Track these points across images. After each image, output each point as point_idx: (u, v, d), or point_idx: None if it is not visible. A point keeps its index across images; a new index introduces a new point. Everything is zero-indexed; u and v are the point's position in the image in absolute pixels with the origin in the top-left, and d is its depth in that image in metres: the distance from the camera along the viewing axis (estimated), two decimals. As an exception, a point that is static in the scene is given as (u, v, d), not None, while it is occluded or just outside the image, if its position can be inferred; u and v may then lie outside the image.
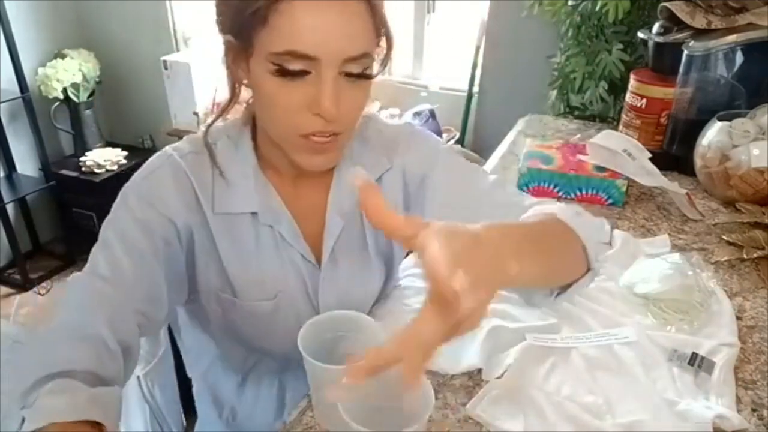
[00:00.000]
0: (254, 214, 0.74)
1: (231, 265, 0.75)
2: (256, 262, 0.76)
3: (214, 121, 0.75)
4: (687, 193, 1.15)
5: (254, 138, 0.75)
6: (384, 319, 0.84)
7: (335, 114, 0.62)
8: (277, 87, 0.62)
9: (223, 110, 0.73)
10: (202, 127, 0.77)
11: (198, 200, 0.72)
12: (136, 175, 0.72)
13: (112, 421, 0.56)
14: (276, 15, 0.59)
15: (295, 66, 0.61)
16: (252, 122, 0.75)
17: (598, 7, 1.49)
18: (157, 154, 0.75)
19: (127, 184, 0.72)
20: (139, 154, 2.72)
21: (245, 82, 0.68)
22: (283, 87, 0.62)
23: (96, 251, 0.69)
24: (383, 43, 0.66)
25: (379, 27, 0.64)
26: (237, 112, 0.76)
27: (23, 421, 0.53)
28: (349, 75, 0.63)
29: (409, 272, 0.96)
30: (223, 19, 0.65)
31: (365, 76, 0.64)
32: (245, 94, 0.71)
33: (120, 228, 0.69)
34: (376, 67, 0.66)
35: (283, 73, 0.61)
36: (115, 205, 0.71)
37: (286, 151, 0.69)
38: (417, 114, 2.20)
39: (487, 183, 0.78)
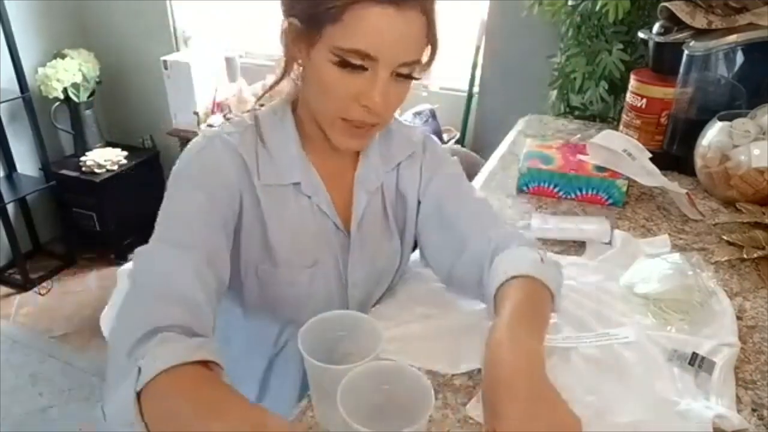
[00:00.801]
0: (296, 184, 0.81)
1: (275, 234, 0.80)
2: (298, 230, 0.82)
3: (264, 93, 0.82)
4: (687, 193, 1.15)
5: (294, 113, 0.82)
6: (385, 320, 0.84)
7: (382, 109, 0.71)
8: (335, 76, 0.69)
9: (276, 83, 0.80)
10: (222, 111, 0.80)
11: (248, 172, 0.78)
12: (186, 155, 0.77)
13: (223, 364, 0.58)
14: (350, 15, 0.66)
15: (355, 61, 0.68)
16: (294, 100, 0.82)
17: (598, 7, 1.49)
18: (199, 136, 0.80)
19: (177, 166, 0.76)
20: (139, 154, 2.72)
21: (299, 61, 0.75)
22: (340, 77, 0.69)
23: (161, 223, 0.71)
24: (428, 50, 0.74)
25: (429, 35, 0.72)
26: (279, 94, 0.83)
27: (139, 372, 0.53)
28: (398, 75, 0.71)
29: (414, 273, 0.96)
30: (292, 4, 0.71)
31: (411, 77, 0.73)
32: (292, 74, 0.78)
33: (182, 199, 0.73)
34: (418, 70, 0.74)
35: (343, 64, 0.68)
36: (171, 185, 0.75)
37: (325, 130, 0.77)
38: (417, 114, 2.20)
39: (475, 199, 0.89)
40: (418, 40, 0.70)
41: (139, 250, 0.69)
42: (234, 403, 0.51)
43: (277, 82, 0.80)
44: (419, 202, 0.90)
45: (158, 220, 0.72)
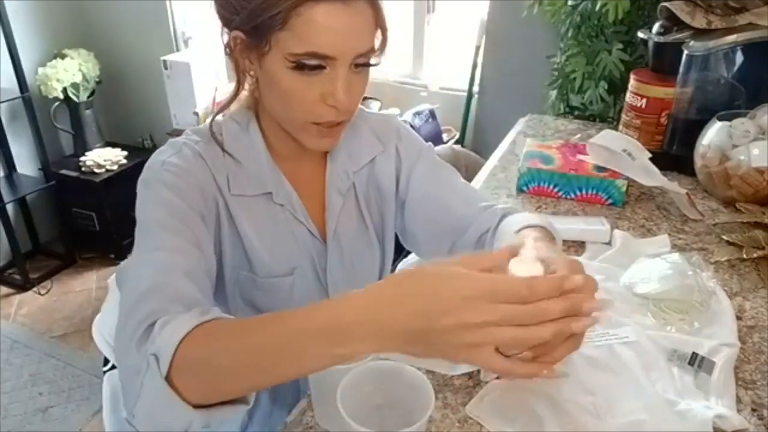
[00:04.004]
0: (267, 194, 0.79)
1: (251, 244, 0.79)
2: (273, 239, 0.80)
3: (219, 112, 0.78)
4: (687, 193, 1.15)
5: (258, 121, 0.79)
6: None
7: (348, 104, 0.70)
8: (295, 82, 0.68)
9: (231, 100, 0.77)
10: (207, 120, 0.79)
11: (217, 183, 0.75)
12: (154, 162, 0.73)
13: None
14: (296, 18, 0.64)
15: (312, 62, 0.66)
16: (255, 108, 0.80)
17: (598, 7, 1.49)
18: (168, 144, 0.76)
19: (145, 174, 0.73)
20: (139, 154, 2.72)
21: (251, 73, 0.73)
22: (300, 81, 0.68)
23: (139, 234, 0.68)
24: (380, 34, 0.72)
25: (378, 21, 0.70)
26: (237, 104, 0.80)
27: (156, 361, 0.52)
28: (356, 66, 0.69)
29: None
30: (232, 17, 0.69)
31: (369, 65, 0.71)
32: (247, 83, 0.77)
33: (156, 204, 0.69)
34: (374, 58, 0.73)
35: (300, 67, 0.67)
36: (141, 194, 0.72)
37: (294, 134, 0.75)
38: (417, 114, 2.20)
39: (460, 182, 0.89)
40: (368, 29, 0.68)
41: (121, 267, 0.67)
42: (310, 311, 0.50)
43: (231, 101, 0.77)
44: (399, 195, 0.88)
45: (136, 232, 0.69)
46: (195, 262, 0.66)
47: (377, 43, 0.71)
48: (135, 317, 0.57)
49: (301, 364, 0.51)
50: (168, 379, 0.51)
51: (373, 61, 0.71)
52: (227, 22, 0.70)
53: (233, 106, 0.79)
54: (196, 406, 0.52)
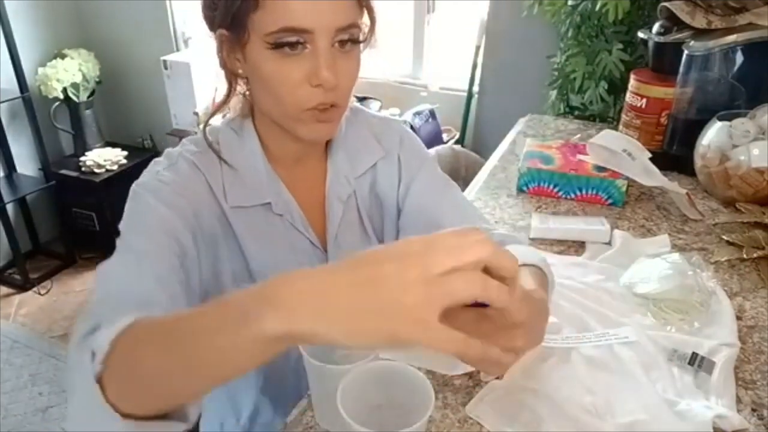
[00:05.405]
0: (266, 204, 0.77)
1: (252, 255, 0.77)
2: (274, 251, 0.78)
3: (212, 116, 0.77)
4: (687, 193, 1.15)
5: (254, 127, 0.78)
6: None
7: (334, 82, 0.66)
8: (277, 64, 0.66)
9: (222, 104, 0.76)
10: (201, 126, 0.78)
11: (214, 195, 0.74)
12: (148, 174, 0.72)
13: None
14: None
15: (290, 38, 0.64)
16: (251, 114, 0.78)
17: (598, 7, 1.49)
18: (164, 154, 0.75)
19: (137, 185, 0.71)
20: (139, 154, 2.72)
21: (240, 71, 0.72)
22: (282, 64, 0.66)
23: (120, 240, 0.66)
24: (367, 19, 0.70)
25: (362, 1, 0.68)
26: (234, 110, 0.79)
27: (92, 358, 0.48)
28: (341, 44, 0.67)
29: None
30: (213, 15, 0.69)
31: (355, 41, 0.68)
32: (240, 88, 0.76)
33: (143, 211, 0.68)
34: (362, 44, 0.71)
35: (279, 46, 0.65)
36: (131, 201, 0.70)
37: (289, 126, 0.72)
38: (417, 114, 2.20)
39: (460, 198, 0.88)
40: (350, 3, 0.66)
41: (102, 265, 0.64)
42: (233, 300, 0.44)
43: (223, 103, 0.76)
44: (397, 205, 0.86)
45: (118, 240, 0.66)
46: (170, 269, 0.64)
47: (366, 28, 0.70)
48: (89, 319, 0.54)
49: (219, 359, 0.44)
50: (100, 383, 0.47)
51: (360, 39, 0.69)
52: (211, 22, 0.70)
53: (230, 115, 0.78)
54: (127, 416, 0.47)
